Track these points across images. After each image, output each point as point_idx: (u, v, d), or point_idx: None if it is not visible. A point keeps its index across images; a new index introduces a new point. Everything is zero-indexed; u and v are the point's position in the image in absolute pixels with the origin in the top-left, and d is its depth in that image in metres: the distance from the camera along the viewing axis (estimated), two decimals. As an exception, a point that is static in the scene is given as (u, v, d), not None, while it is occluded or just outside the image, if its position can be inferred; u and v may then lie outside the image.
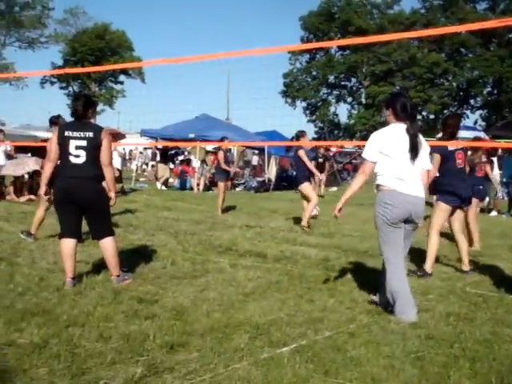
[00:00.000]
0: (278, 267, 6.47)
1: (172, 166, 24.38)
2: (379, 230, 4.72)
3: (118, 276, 5.41)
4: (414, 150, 4.63)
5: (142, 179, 25.15)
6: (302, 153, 10.34)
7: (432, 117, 55.38)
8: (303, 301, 5.08)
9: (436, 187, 6.67)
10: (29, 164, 14.19)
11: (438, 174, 6.58)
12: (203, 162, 21.56)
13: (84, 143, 5.21)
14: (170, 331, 4.03)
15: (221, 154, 13.19)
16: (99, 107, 56.15)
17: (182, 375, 3.31)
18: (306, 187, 10.32)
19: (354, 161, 31.19)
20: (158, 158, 24.37)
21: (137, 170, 24.96)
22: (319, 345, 3.89)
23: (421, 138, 4.76)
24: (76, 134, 5.22)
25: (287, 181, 22.92)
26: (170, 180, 22.32)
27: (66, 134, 5.25)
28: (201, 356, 3.61)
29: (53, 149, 5.43)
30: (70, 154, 5.21)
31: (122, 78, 59.22)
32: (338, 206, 4.84)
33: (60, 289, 5.11)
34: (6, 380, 3.15)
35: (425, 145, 4.81)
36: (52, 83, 56.73)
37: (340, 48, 56.61)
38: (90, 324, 4.13)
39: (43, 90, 56.78)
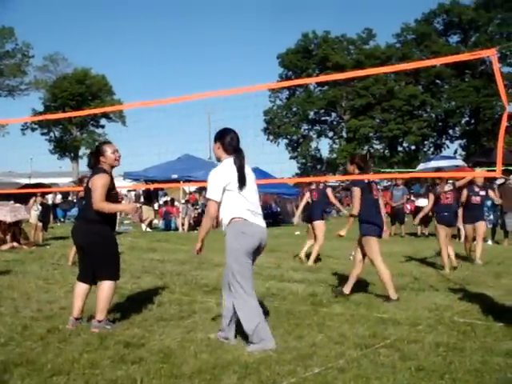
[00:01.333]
0: (266, 304, 6.42)
1: (156, 206, 24.31)
2: (236, 263, 4.79)
3: (100, 322, 5.31)
4: (243, 181, 4.80)
5: (126, 222, 25.01)
6: (329, 190, 10.72)
7: (413, 147, 56.07)
8: (291, 337, 5.04)
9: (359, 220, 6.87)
10: (21, 212, 14.10)
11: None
12: (187, 202, 21.55)
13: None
14: (158, 375, 3.97)
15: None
16: (81, 151, 56.26)
17: (171, 420, 3.25)
18: (321, 225, 10.41)
19: (337, 194, 31.35)
20: (142, 199, 24.31)
21: (121, 214, 24.83)
22: (309, 382, 3.85)
23: (248, 169, 4.99)
24: None
25: (271, 217, 22.91)
26: (155, 221, 22.24)
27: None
28: (189, 399, 3.55)
29: None
30: None
31: (103, 121, 59.47)
32: (196, 246, 5.10)
33: (44, 337, 5.02)
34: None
35: (251, 176, 5.01)
36: (33, 129, 56.74)
37: (319, 84, 57.40)
38: (76, 372, 4.06)
39: (24, 137, 56.66)
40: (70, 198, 29.91)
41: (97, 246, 5.36)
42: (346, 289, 6.97)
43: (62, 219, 26.81)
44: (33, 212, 14.73)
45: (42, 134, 57.74)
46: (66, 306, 6.36)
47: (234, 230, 4.80)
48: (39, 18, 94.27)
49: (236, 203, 4.79)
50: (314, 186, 10.74)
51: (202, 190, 23.99)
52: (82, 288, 5.47)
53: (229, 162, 4.87)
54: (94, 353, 4.52)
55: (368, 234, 6.80)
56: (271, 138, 59.01)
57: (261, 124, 57.19)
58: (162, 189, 26.63)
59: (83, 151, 56.01)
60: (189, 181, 19.15)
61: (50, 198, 24.96)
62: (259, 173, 21.99)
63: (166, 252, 12.55)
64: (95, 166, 5.55)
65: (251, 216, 4.80)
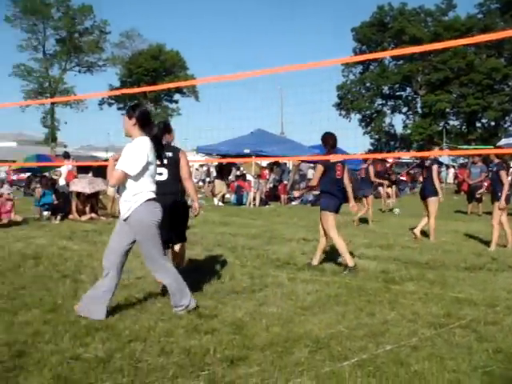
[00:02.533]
0: (337, 280, 6.41)
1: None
2: (152, 236, 4.78)
3: None
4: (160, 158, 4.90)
5: (198, 196, 25.39)
6: (435, 167, 10.53)
7: (493, 123, 53.95)
8: (363, 314, 5.01)
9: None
10: (99, 184, 14.59)
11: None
12: (259, 176, 21.63)
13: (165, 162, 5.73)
14: (230, 345, 4.04)
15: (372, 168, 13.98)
16: (156, 126, 57.34)
17: (243, 389, 3.31)
18: (435, 202, 10.32)
19: (411, 171, 30.68)
20: (215, 174, 24.60)
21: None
22: (381, 359, 3.82)
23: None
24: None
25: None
26: (227, 195, 22.47)
27: None
28: (261, 370, 3.60)
29: None
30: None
31: (176, 96, 60.45)
32: None
33: (122, 305, 5.20)
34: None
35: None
36: (110, 104, 58.39)
37: (394, 58, 56.01)
38: (152, 339, 4.19)
39: (101, 112, 58.35)
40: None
41: (186, 215, 6.09)
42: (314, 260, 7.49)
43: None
44: (110, 187, 15.17)
45: (119, 108, 59.33)
46: (141, 276, 6.57)
47: (147, 208, 4.79)
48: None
49: (145, 181, 4.80)
50: (428, 163, 10.60)
51: (273, 166, 24.00)
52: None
53: (144, 139, 4.85)
54: (168, 322, 4.66)
55: (326, 209, 7.32)
56: (343, 113, 58.26)
57: (333, 99, 56.52)
58: (233, 163, 26.90)
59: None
60: (261, 155, 19.21)
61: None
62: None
63: (238, 226, 12.68)
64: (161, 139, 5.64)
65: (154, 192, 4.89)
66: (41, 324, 4.50)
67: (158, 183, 5.34)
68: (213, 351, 3.91)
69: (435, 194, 10.28)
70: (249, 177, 21.53)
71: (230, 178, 24.95)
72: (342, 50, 73.53)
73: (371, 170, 14.06)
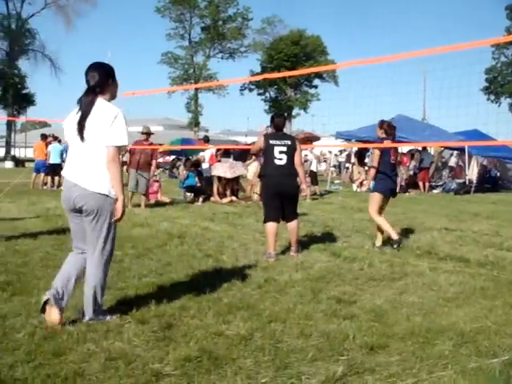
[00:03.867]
0: (483, 273, 6.08)
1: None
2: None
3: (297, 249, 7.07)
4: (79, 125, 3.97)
5: (336, 181, 25.32)
6: None
7: None
8: (513, 310, 4.71)
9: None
10: (239, 168, 15.07)
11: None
12: (399, 163, 21.05)
13: (285, 149, 6.89)
14: (370, 332, 3.99)
15: None
16: (294, 111, 57.77)
17: (384, 377, 3.26)
18: None
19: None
20: (353, 160, 24.33)
21: (332, 172, 25.19)
22: (534, 359, 3.58)
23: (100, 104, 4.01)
24: (278, 142, 6.93)
25: (490, 182, 21.48)
26: (364, 182, 22.11)
27: (271, 142, 6.93)
28: (402, 360, 3.52)
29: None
30: (275, 158, 6.85)
31: (316, 81, 60.26)
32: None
33: (261, 286, 5.33)
34: (218, 366, 3.35)
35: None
36: (250, 90, 59.56)
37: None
38: (291, 321, 4.25)
39: (242, 97, 59.71)
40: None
41: (297, 195, 7.22)
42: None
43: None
44: (250, 169, 15.57)
45: (259, 94, 60.40)
46: (280, 258, 6.69)
47: None
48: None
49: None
50: None
51: (414, 152, 23.24)
52: (274, 227, 6.87)
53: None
54: (307, 305, 4.70)
55: (375, 190, 7.80)
56: (492, 97, 54.89)
57: (481, 83, 53.39)
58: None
59: (296, 111, 57.62)
60: (402, 141, 18.66)
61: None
62: (478, 134, 20.76)
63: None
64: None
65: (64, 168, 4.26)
66: (186, 299, 4.72)
67: (279, 166, 6.84)
68: (352, 337, 3.88)
69: None
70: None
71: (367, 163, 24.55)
72: (494, 29, 69.01)
73: None
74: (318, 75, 57.50)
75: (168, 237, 8.14)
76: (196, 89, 54.34)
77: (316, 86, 60.56)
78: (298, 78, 55.91)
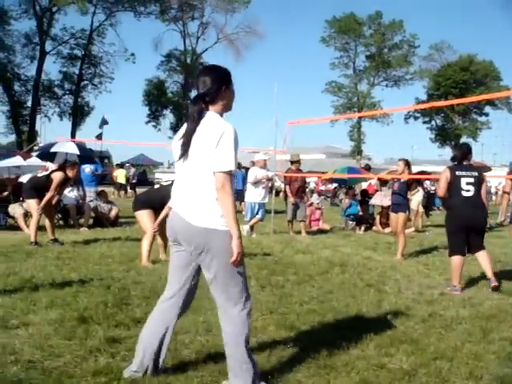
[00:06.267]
0: None
1: None
2: None
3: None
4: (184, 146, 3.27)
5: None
6: None
7: None
8: None
9: None
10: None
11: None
12: None
13: (472, 180, 6.80)
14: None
15: None
16: (462, 140, 55.30)
17: None
18: None
19: None
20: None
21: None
22: None
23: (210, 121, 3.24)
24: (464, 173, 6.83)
25: None
26: None
27: (457, 173, 6.84)
28: None
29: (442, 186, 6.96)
30: (463, 190, 6.77)
31: (487, 109, 57.42)
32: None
33: (426, 320, 5.12)
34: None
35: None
36: (415, 118, 58.19)
37: None
38: (458, 360, 4.02)
39: (406, 126, 58.43)
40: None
41: (485, 226, 7.21)
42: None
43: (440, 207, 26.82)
44: (414, 198, 15.12)
45: (424, 122, 58.80)
46: (445, 293, 6.38)
47: None
48: (425, 9, 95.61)
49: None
50: None
51: None
52: (461, 260, 6.69)
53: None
54: (476, 344, 4.41)
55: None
56: None
57: None
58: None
59: (464, 139, 55.15)
60: None
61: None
62: None
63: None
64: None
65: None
66: (347, 328, 4.67)
67: (467, 198, 6.74)
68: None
69: None
70: None
71: None
72: None
73: None
74: (490, 102, 54.71)
75: (329, 264, 8.13)
76: (359, 117, 54.29)
77: (487, 114, 57.68)
78: (467, 105, 53.63)
